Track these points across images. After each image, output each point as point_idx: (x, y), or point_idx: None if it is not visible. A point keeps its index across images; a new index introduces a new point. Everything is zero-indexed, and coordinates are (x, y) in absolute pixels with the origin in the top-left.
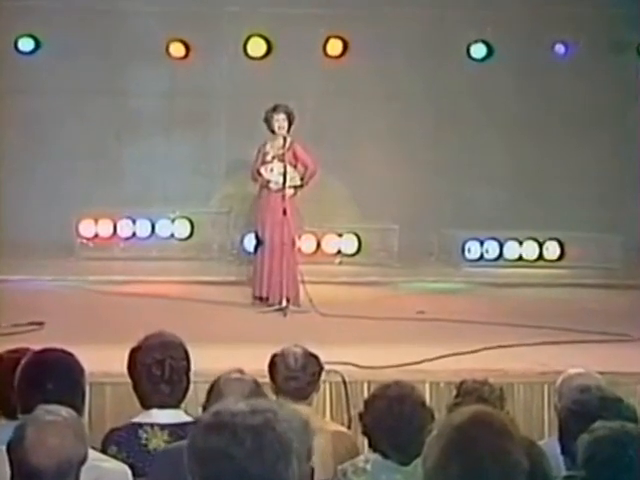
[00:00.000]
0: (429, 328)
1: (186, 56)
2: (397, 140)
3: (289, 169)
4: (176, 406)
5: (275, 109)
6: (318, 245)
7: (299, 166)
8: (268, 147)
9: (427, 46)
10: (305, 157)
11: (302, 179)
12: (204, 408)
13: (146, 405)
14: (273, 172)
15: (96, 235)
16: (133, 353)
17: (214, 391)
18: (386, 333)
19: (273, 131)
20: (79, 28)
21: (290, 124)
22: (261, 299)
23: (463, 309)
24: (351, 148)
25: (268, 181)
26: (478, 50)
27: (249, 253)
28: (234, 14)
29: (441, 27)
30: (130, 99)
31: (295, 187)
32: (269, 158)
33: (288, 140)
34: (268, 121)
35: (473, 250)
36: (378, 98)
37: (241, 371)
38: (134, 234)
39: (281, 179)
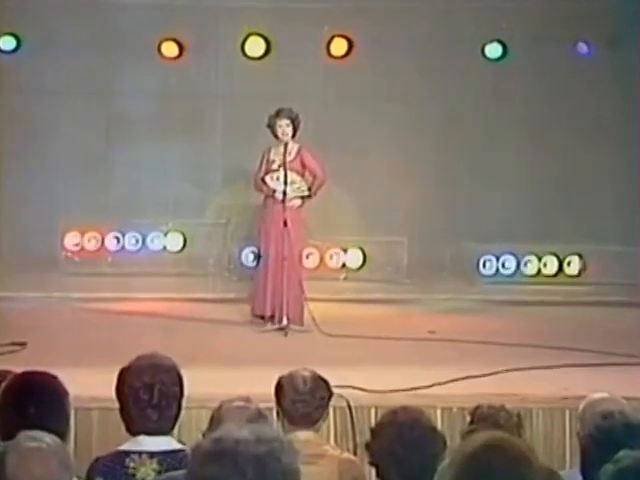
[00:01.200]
0: (440, 349)
1: (179, 56)
2: (406, 146)
3: (295, 178)
4: (166, 433)
5: (278, 114)
6: (321, 259)
7: (307, 174)
8: (273, 154)
9: (438, 46)
10: (314, 165)
11: (310, 189)
12: (204, 437)
13: (132, 431)
14: (279, 181)
15: (82, 248)
16: (122, 374)
17: (215, 420)
18: (394, 354)
19: (277, 137)
20: (63, 25)
21: (295, 129)
22: (261, 317)
23: (477, 329)
24: (356, 155)
25: (274, 190)
26: (493, 50)
27: (247, 268)
28: (231, 10)
29: (453, 25)
30: (119, 102)
31: (302, 197)
32: (275, 166)
33: (291, 147)
34: (272, 127)
35: (489, 265)
36: (385, 101)
37: (247, 399)
38: (123, 247)
39: (283, 188)
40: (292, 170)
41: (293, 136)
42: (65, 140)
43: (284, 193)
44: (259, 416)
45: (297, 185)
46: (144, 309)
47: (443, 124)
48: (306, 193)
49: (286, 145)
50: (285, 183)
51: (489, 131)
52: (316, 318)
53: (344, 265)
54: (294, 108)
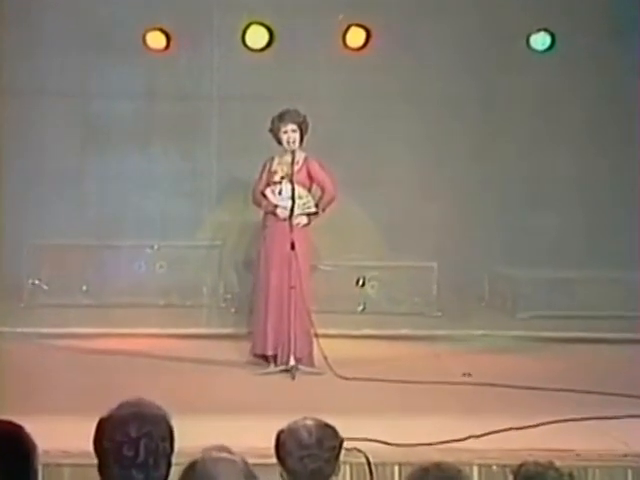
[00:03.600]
0: (477, 395)
1: (167, 48)
2: (434, 154)
3: (302, 192)
4: None
5: (283, 117)
6: (334, 288)
7: (314, 188)
8: (276, 164)
9: (473, 35)
10: (323, 177)
11: (317, 205)
12: None
13: None
14: (282, 195)
15: (52, 274)
16: (101, 425)
17: (193, 477)
18: (422, 401)
19: (282, 144)
20: (31, 14)
21: (302, 135)
22: (263, 357)
23: (521, 371)
24: (374, 164)
25: (275, 206)
26: (540, 40)
27: (247, 298)
28: None
29: (492, 11)
30: (97, 102)
31: (309, 215)
32: (277, 178)
33: (299, 155)
34: (275, 132)
35: (533, 295)
36: (410, 102)
37: (227, 449)
38: (101, 274)
39: (290, 204)
40: (298, 183)
41: (300, 143)
42: (33, 148)
43: (291, 210)
44: (248, 470)
45: (304, 201)
46: (126, 347)
47: (479, 128)
48: (313, 210)
49: (293, 154)
50: (292, 198)
51: (534, 136)
52: (328, 358)
53: (361, 295)
54: (301, 109)
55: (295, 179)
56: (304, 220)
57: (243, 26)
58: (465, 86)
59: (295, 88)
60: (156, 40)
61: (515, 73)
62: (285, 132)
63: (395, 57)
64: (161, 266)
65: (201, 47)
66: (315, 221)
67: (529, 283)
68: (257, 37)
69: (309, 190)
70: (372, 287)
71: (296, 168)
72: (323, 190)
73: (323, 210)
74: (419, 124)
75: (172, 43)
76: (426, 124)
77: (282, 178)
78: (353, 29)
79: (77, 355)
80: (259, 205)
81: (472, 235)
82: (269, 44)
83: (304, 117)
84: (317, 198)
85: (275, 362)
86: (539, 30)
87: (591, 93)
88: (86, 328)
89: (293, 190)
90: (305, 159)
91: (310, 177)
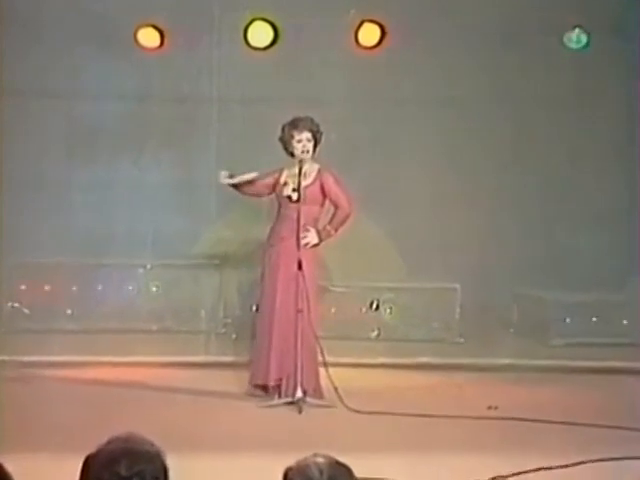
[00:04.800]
0: (504, 431)
1: (161, 46)
2: (457, 163)
3: (313, 209)
4: None
5: (297, 125)
6: (346, 312)
7: (327, 204)
8: (285, 176)
9: (500, 31)
10: (337, 193)
11: (330, 222)
12: None
13: None
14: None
15: (33, 296)
16: (88, 462)
17: None
18: (443, 437)
19: (293, 154)
20: (6, 7)
21: (316, 145)
22: (265, 388)
23: (552, 404)
24: (391, 175)
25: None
26: (575, 38)
27: (250, 322)
28: None
29: (521, 6)
30: (83, 105)
31: (319, 233)
32: (288, 191)
33: (311, 168)
34: (286, 141)
35: (568, 321)
36: (429, 106)
37: None
38: (87, 296)
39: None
40: (308, 199)
41: (313, 153)
42: (11, 154)
43: (297, 229)
44: None
45: (307, 239)
46: (116, 377)
47: (508, 135)
48: (315, 241)
49: (301, 163)
50: (298, 217)
51: (570, 144)
52: (339, 389)
53: (376, 319)
54: (308, 114)
55: (305, 194)
56: (314, 239)
57: (245, 22)
58: (491, 89)
59: (302, 91)
60: (149, 37)
61: (547, 73)
62: (299, 141)
63: (413, 56)
64: (155, 287)
65: (199, 45)
66: (328, 241)
67: (563, 307)
68: (261, 34)
69: (322, 205)
70: (388, 311)
71: (308, 182)
72: (337, 207)
73: (336, 230)
74: (440, 131)
75: (166, 41)
76: (448, 131)
77: (293, 190)
78: (366, 26)
79: (61, 386)
80: (257, 195)
81: (499, 254)
82: (274, 42)
83: (318, 126)
84: (330, 215)
85: (279, 393)
86: (574, 27)
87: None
88: (71, 356)
89: (298, 211)
90: (319, 172)
91: (323, 192)
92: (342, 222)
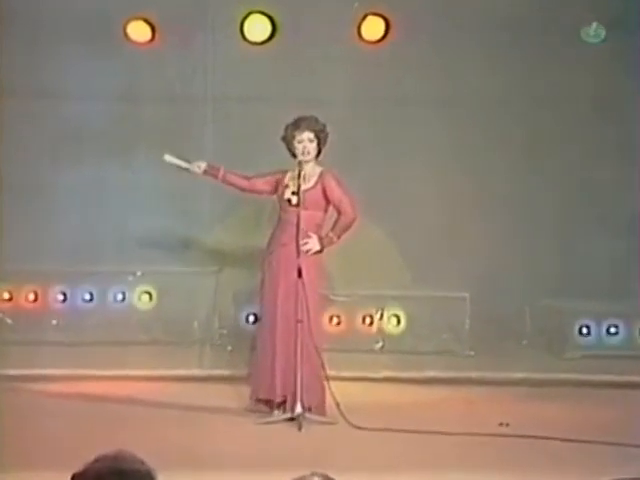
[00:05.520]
0: (517, 449)
1: (151, 41)
2: (466, 165)
3: (315, 215)
4: None
5: (299, 124)
6: (349, 322)
7: (330, 210)
8: (287, 178)
9: (511, 26)
10: (339, 196)
11: (333, 228)
12: None
13: None
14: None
15: (16, 306)
16: None
17: None
18: (451, 455)
19: (295, 156)
20: None
21: (319, 146)
22: (269, 403)
23: (568, 420)
24: (396, 177)
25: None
26: (593, 32)
27: (247, 334)
28: None
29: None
30: (71, 104)
31: (321, 240)
32: (288, 194)
33: (313, 170)
34: (288, 142)
35: (586, 332)
36: (437, 104)
37: None
38: (73, 305)
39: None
40: (309, 204)
41: (317, 155)
42: None
43: (297, 234)
44: None
45: (308, 246)
46: (104, 391)
47: (520, 135)
48: (317, 248)
49: (300, 165)
50: (298, 222)
51: (588, 145)
52: (341, 404)
53: (380, 330)
54: (308, 113)
55: (306, 198)
56: (315, 246)
57: (241, 16)
58: (502, 87)
59: (301, 88)
60: (139, 32)
61: (561, 70)
62: (300, 141)
63: (419, 52)
64: (145, 296)
65: (192, 40)
66: (329, 247)
67: (578, 317)
68: (257, 28)
69: (324, 211)
70: (392, 321)
71: (309, 185)
72: (339, 212)
73: (338, 237)
74: (447, 131)
75: (158, 35)
76: (456, 131)
77: (293, 194)
78: (370, 19)
79: (47, 401)
80: (257, 193)
81: (511, 261)
82: (271, 37)
83: (323, 126)
84: (333, 221)
85: (279, 409)
86: (591, 22)
87: None
88: (57, 369)
89: (298, 216)
90: (320, 175)
91: (325, 195)
92: (345, 228)
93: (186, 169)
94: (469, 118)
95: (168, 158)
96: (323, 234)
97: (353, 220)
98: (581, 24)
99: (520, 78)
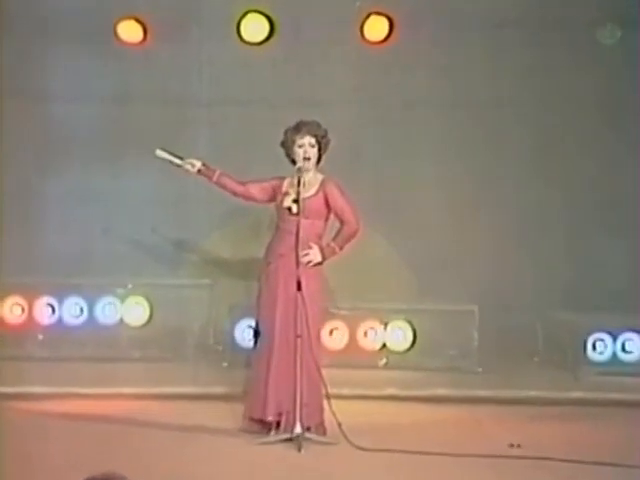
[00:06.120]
0: (528, 471)
1: (143, 41)
2: (474, 172)
3: (316, 224)
4: None
5: (299, 128)
6: (350, 337)
7: (331, 219)
8: (286, 186)
9: (519, 25)
10: (342, 206)
11: (335, 238)
12: None
13: None
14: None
15: (0, 319)
16: None
17: None
18: (460, 479)
19: (295, 162)
20: None
21: (320, 152)
22: (263, 423)
23: (583, 441)
24: (401, 185)
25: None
26: (608, 33)
27: (243, 349)
28: None
29: None
30: (57, 107)
31: (322, 251)
32: (288, 202)
33: (314, 178)
34: (287, 147)
35: (601, 347)
36: (444, 107)
37: None
38: (60, 320)
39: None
40: (310, 213)
41: (318, 162)
42: None
43: (296, 245)
44: None
45: (309, 257)
46: (93, 410)
47: (531, 140)
48: (318, 259)
49: (299, 172)
50: (297, 232)
51: (604, 150)
52: (343, 424)
53: (384, 346)
54: (308, 117)
55: (306, 206)
56: (317, 257)
57: (238, 15)
58: (512, 89)
59: (301, 91)
60: (130, 31)
61: (574, 71)
62: (301, 146)
63: (424, 53)
64: (136, 310)
65: (186, 40)
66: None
67: (593, 332)
68: (255, 28)
69: (325, 220)
70: (397, 336)
71: (310, 193)
72: (342, 221)
73: (341, 248)
74: (455, 136)
75: (149, 35)
76: (464, 136)
77: (294, 202)
78: (373, 18)
79: (32, 420)
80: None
81: (522, 272)
82: (269, 37)
83: (325, 131)
84: (335, 231)
85: (277, 429)
86: (607, 22)
87: None
88: (42, 387)
89: (298, 225)
90: (322, 182)
91: (327, 205)
92: (348, 239)
93: (179, 166)
94: (478, 122)
95: (160, 153)
96: (324, 244)
97: (356, 231)
98: (592, 22)
99: (528, 79)
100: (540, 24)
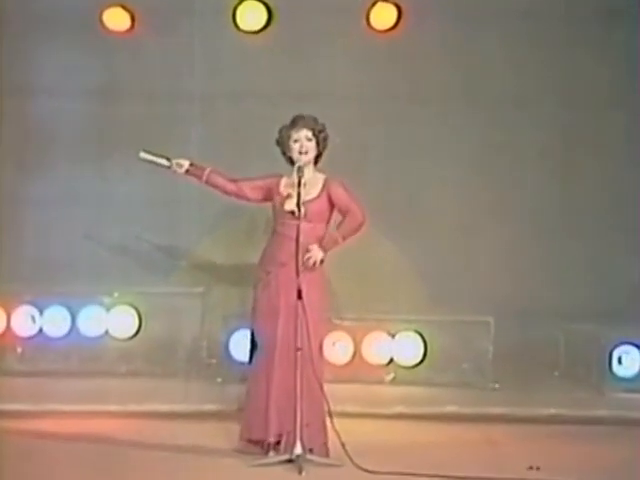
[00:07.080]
0: None
1: (130, 30)
2: (488, 173)
3: (317, 227)
4: None
5: (295, 122)
6: (355, 350)
7: (332, 218)
8: (284, 185)
9: (535, 14)
10: (348, 203)
11: (338, 227)
12: None
13: None
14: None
15: None
16: None
17: None
18: None
19: (292, 161)
20: None
21: (318, 149)
22: (257, 443)
23: (608, 463)
24: (410, 187)
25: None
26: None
27: (239, 364)
28: None
29: None
30: (39, 102)
31: (322, 244)
32: (292, 206)
33: (315, 177)
34: (283, 144)
35: (627, 361)
36: (456, 102)
37: None
38: (41, 331)
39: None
40: (312, 216)
41: (316, 159)
42: None
43: (296, 250)
44: None
45: (312, 259)
46: (77, 429)
47: (553, 139)
48: (321, 256)
49: (300, 170)
50: (297, 235)
51: (623, 155)
52: (347, 444)
53: (392, 360)
54: (309, 111)
55: (307, 209)
56: (319, 255)
57: (234, 2)
58: (530, 84)
59: (300, 84)
60: (116, 19)
61: (592, 62)
62: (296, 140)
63: (435, 43)
64: (124, 320)
65: (177, 29)
66: (333, 263)
67: (621, 345)
68: (252, 16)
69: (327, 222)
70: (406, 349)
71: (313, 195)
72: (346, 212)
73: (344, 238)
74: (469, 132)
75: (137, 23)
76: (479, 132)
77: (298, 205)
78: (380, 5)
79: (9, 440)
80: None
81: (541, 280)
82: (267, 25)
83: (323, 126)
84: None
85: (276, 450)
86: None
87: None
88: (21, 404)
89: (298, 228)
90: (324, 183)
91: (330, 201)
92: (352, 231)
93: (166, 167)
94: (492, 116)
95: (144, 155)
96: (324, 234)
97: (361, 224)
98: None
99: (545, 73)
100: (554, 14)
